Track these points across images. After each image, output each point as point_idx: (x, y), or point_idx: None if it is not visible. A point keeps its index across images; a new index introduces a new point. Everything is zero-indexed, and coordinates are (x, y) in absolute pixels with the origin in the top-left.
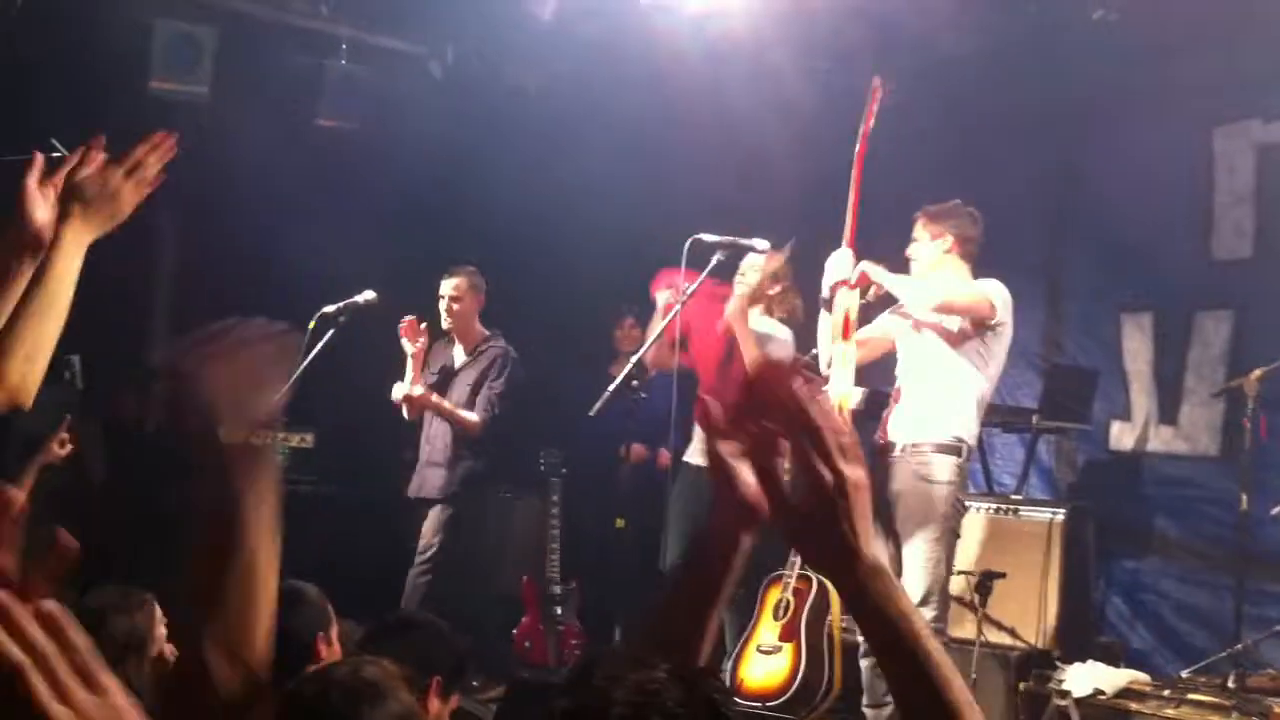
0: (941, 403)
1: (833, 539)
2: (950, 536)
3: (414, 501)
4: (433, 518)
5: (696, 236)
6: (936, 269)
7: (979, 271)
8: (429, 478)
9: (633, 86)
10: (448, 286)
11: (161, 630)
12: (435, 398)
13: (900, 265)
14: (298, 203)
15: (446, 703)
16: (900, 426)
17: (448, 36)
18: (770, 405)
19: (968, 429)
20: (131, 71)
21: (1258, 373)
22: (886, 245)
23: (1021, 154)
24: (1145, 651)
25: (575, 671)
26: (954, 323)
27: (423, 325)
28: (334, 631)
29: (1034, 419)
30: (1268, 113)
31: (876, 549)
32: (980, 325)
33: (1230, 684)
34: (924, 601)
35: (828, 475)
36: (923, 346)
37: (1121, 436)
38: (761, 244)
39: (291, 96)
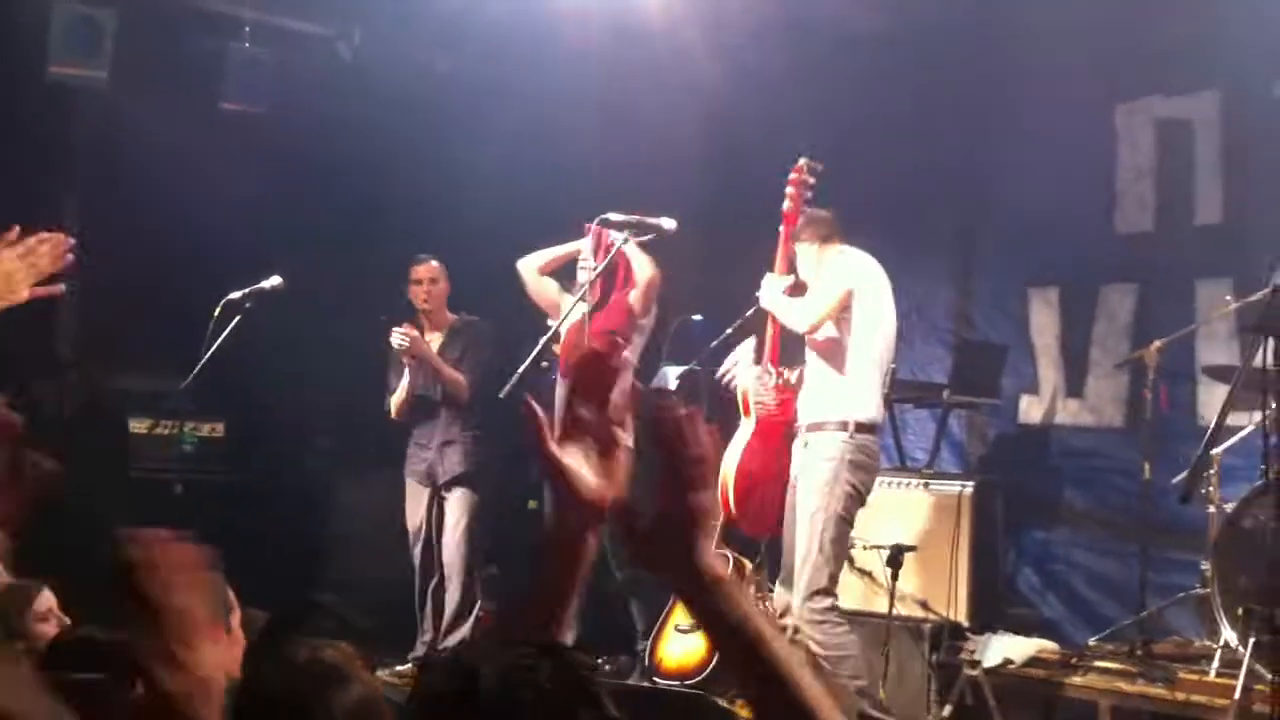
0: (827, 384)
1: (676, 557)
2: (834, 515)
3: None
4: (423, 503)
5: (603, 216)
6: (818, 269)
7: (856, 240)
8: (430, 463)
9: (544, 66)
10: (424, 270)
11: (45, 620)
12: (427, 348)
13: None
14: (204, 188)
15: None
16: (801, 407)
17: (355, 18)
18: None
19: (855, 406)
20: (30, 56)
21: (1157, 344)
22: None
23: (931, 132)
24: (1056, 620)
25: (450, 651)
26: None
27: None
28: (235, 619)
29: (944, 394)
30: (1167, 88)
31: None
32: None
33: (1136, 651)
34: (801, 567)
35: (679, 501)
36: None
37: (1030, 410)
38: (669, 223)
39: (195, 80)
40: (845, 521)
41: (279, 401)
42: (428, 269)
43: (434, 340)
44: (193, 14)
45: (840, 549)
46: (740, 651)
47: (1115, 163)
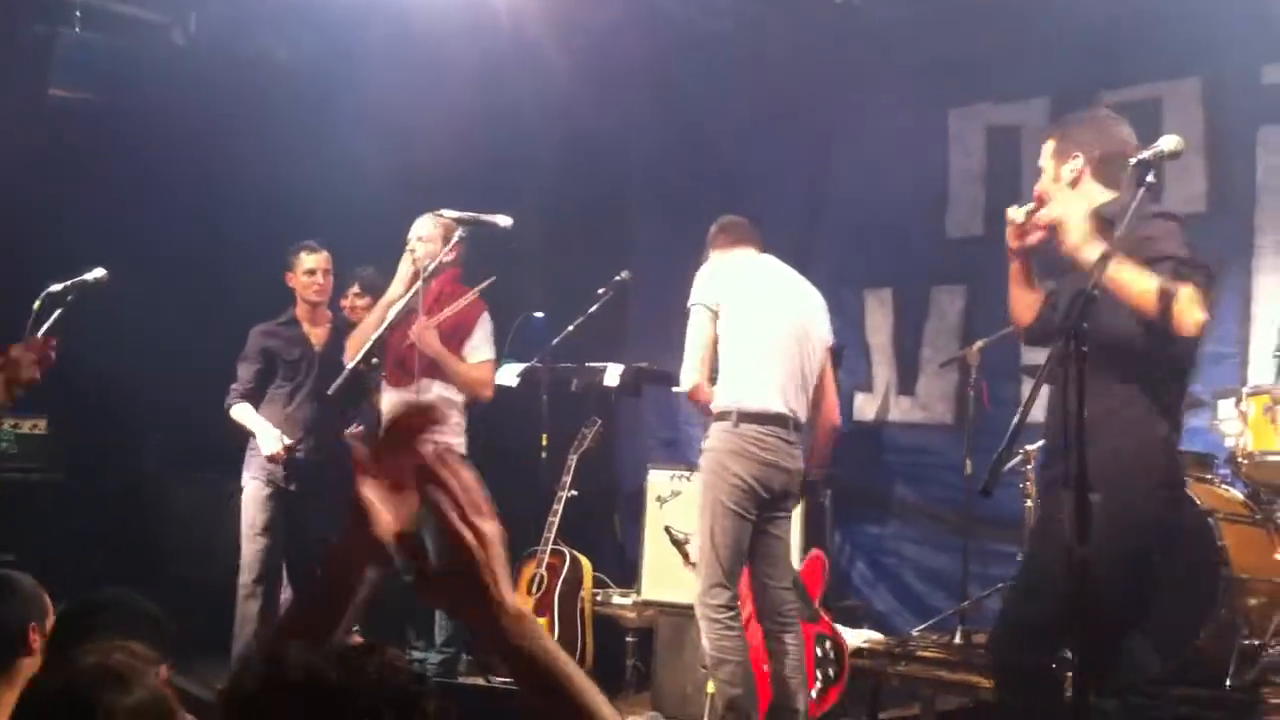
0: (720, 376)
1: (475, 592)
2: (720, 507)
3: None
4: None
5: (438, 212)
6: None
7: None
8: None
9: (387, 57)
10: (322, 260)
11: None
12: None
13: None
14: (31, 177)
15: None
16: None
17: (191, 4)
18: (406, 455)
19: (741, 396)
20: None
21: (978, 344)
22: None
23: (772, 135)
24: (887, 613)
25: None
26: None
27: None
28: (50, 622)
29: None
30: (998, 95)
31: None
32: None
33: (957, 639)
34: (699, 560)
35: (466, 533)
36: None
37: (864, 407)
38: (504, 220)
39: (22, 66)
40: (735, 515)
41: (108, 397)
42: (324, 259)
43: (316, 335)
44: None
45: (732, 541)
46: (545, 688)
47: (948, 167)
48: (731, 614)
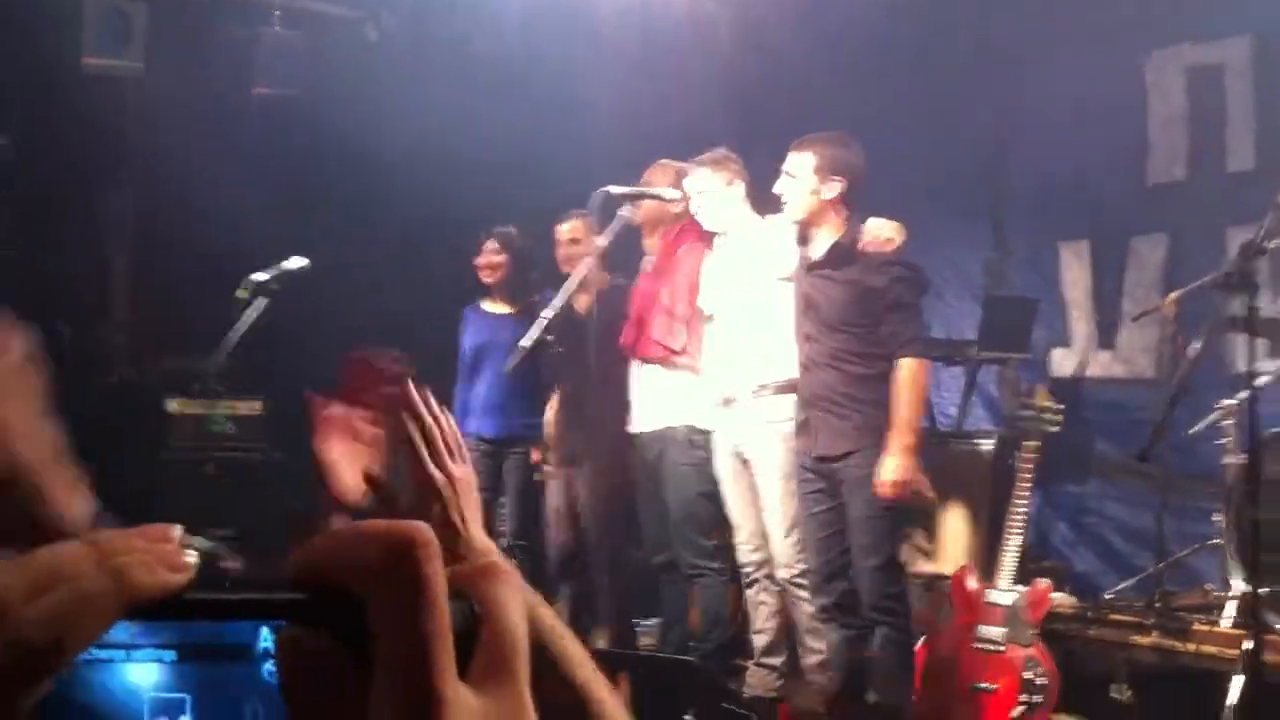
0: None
1: (445, 533)
2: None
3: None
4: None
5: (604, 189)
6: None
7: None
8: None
9: (569, 39)
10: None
11: None
12: None
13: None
14: (238, 173)
15: None
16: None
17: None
18: (372, 402)
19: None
20: (63, 49)
21: (1173, 296)
22: None
23: (960, 88)
24: (1089, 573)
25: None
26: None
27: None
28: None
29: (974, 350)
30: (1197, 35)
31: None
32: None
33: (1155, 603)
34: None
35: (437, 474)
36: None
37: (1062, 363)
38: (670, 192)
39: (227, 66)
40: None
41: (313, 380)
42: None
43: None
44: (222, 2)
45: None
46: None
47: (1146, 112)
48: None
